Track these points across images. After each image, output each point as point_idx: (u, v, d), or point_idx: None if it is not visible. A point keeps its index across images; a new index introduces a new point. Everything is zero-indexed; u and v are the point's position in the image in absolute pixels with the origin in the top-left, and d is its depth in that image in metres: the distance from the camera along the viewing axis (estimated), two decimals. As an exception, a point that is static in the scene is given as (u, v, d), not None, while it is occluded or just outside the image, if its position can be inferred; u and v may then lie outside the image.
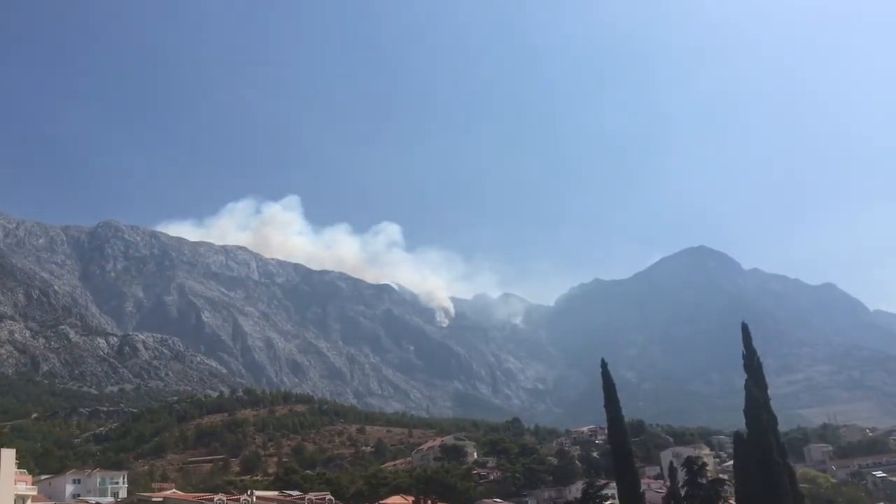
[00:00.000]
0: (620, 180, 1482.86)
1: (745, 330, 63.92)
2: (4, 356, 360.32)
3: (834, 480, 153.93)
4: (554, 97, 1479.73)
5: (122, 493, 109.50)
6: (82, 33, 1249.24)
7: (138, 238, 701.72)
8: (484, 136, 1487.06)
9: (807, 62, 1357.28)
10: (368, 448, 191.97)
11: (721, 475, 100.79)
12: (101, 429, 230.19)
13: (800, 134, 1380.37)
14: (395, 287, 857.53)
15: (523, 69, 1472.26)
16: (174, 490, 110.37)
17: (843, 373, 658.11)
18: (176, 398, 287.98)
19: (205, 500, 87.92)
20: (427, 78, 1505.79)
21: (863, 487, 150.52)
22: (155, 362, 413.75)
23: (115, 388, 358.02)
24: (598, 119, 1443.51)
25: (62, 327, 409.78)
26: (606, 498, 72.90)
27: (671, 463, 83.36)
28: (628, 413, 79.14)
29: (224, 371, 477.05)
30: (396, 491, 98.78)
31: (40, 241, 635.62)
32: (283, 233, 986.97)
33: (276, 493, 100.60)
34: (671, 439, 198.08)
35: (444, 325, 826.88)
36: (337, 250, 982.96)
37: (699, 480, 67.07)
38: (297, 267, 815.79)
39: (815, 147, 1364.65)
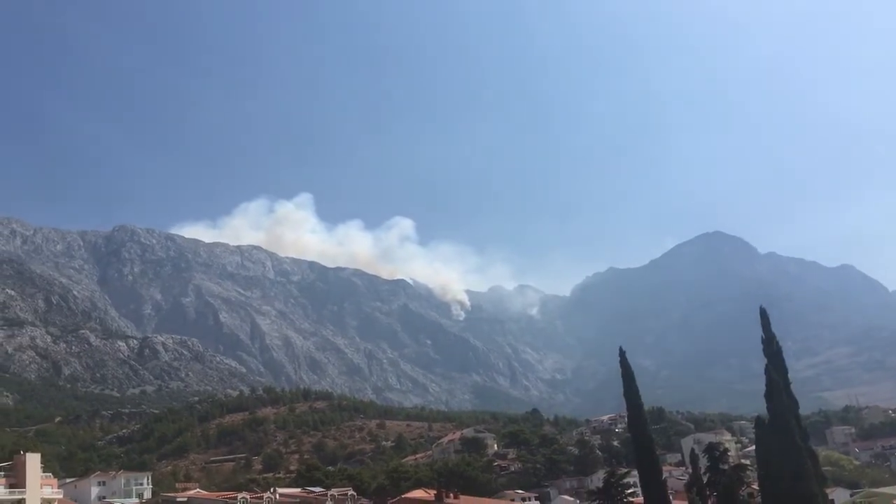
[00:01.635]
0: (632, 167, 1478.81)
1: (763, 314, 63.42)
2: (27, 362, 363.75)
3: (857, 462, 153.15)
4: (562, 86, 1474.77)
5: (147, 494, 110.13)
6: (93, 38, 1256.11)
7: (154, 241, 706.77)
8: (492, 128, 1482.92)
9: (820, 38, 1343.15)
10: (389, 443, 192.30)
11: (743, 461, 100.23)
12: (124, 431, 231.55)
13: (812, 113, 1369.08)
14: (410, 282, 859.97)
15: (531, 60, 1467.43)
16: (198, 490, 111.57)
17: (863, 354, 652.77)
18: (197, 398, 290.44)
19: (229, 499, 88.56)
20: (433, 71, 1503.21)
21: (887, 469, 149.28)
22: (175, 363, 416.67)
23: (137, 391, 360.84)
24: (608, 106, 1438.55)
25: (82, 332, 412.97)
26: (628, 486, 72.55)
27: (692, 450, 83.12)
28: (647, 401, 79.00)
29: (243, 370, 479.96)
30: (418, 485, 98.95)
31: (58, 247, 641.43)
32: (297, 231, 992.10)
33: (298, 490, 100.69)
34: (692, 426, 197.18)
35: (461, 319, 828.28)
36: (350, 247, 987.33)
37: (721, 466, 66.78)
38: (311, 265, 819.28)
39: (827, 126, 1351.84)
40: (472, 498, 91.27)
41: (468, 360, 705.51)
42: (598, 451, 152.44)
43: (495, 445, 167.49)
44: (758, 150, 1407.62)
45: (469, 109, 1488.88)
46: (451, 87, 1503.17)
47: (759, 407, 64.38)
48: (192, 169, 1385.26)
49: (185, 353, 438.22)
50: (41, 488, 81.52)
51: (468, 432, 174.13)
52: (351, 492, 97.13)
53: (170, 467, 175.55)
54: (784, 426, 56.34)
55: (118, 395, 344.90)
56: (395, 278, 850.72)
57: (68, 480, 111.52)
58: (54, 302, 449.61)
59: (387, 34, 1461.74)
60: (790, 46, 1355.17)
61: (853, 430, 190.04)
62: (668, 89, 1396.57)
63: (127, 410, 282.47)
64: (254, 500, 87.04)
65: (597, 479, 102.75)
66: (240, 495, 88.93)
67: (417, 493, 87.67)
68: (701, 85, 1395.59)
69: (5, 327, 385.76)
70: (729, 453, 77.62)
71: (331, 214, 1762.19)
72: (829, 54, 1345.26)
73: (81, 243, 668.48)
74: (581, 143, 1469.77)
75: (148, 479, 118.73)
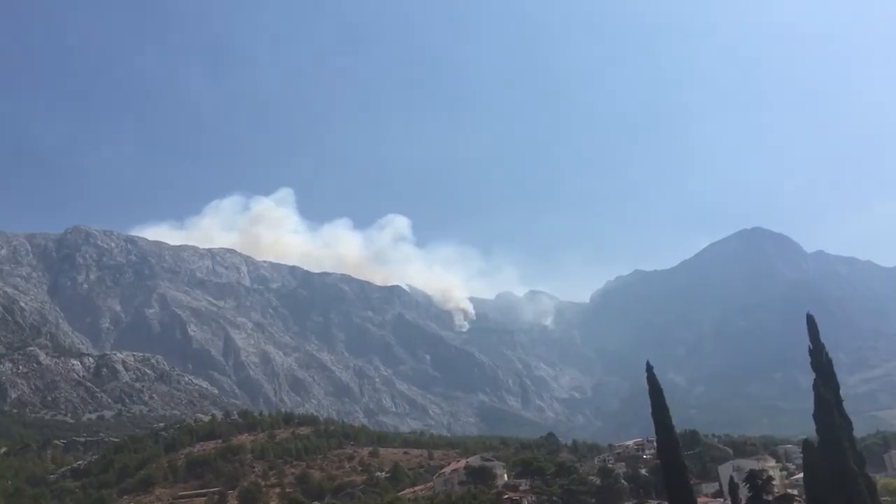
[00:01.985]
0: (660, 157, 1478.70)
1: (810, 322, 63.61)
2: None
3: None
4: (576, 67, 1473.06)
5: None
6: (38, 22, 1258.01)
7: (112, 244, 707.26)
8: (499, 113, 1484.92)
9: (870, 19, 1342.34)
10: (383, 473, 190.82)
11: (790, 490, 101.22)
12: (80, 462, 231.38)
13: (864, 91, 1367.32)
14: (406, 288, 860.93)
15: (540, 39, 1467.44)
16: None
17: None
18: (162, 424, 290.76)
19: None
20: (432, 50, 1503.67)
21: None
22: (137, 384, 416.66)
23: (94, 416, 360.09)
24: (633, 90, 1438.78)
25: (31, 349, 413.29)
26: (658, 520, 73.02)
27: (731, 478, 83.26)
28: (679, 422, 78.88)
29: (215, 392, 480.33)
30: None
31: (2, 251, 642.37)
32: (276, 231, 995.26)
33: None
34: (730, 451, 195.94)
35: (464, 330, 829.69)
36: (337, 249, 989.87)
37: (765, 497, 66.89)
38: (293, 270, 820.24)
39: (881, 107, 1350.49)
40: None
41: (473, 378, 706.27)
42: (623, 482, 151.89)
43: (505, 475, 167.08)
44: (803, 137, 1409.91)
45: (472, 94, 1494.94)
46: (452, 68, 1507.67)
47: (808, 428, 64.59)
48: (155, 162, 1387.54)
49: (149, 372, 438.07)
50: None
51: (474, 460, 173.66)
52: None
53: None
54: (836, 450, 56.49)
55: (72, 421, 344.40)
56: (389, 284, 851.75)
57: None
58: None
59: (377, 10, 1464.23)
60: (841, 16, 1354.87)
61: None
62: (703, 72, 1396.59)
63: (83, 439, 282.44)
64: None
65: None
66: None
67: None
68: (738, 67, 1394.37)
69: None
70: (773, 482, 77.70)
71: (315, 212, 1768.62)
72: (888, 24, 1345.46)
73: (29, 247, 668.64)
74: (599, 129, 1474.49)
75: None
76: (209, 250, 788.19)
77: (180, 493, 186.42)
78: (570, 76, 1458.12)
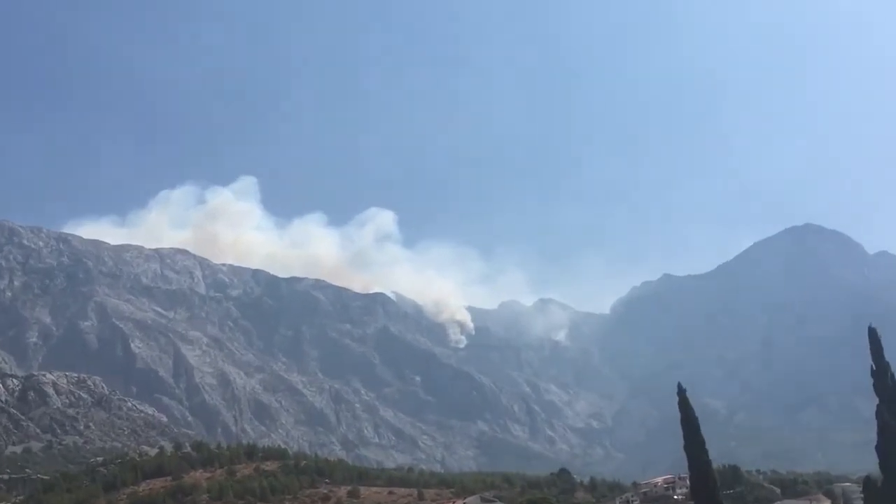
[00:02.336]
0: (695, 142, 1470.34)
1: (873, 336, 63.65)
2: None
3: None
4: (604, 31, 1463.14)
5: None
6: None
7: (41, 244, 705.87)
8: (503, 89, 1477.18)
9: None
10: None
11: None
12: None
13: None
14: (392, 296, 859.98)
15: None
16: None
17: None
18: (101, 459, 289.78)
19: None
20: (422, 13, 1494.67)
21: None
22: (70, 411, 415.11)
23: (18, 449, 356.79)
24: (665, 65, 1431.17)
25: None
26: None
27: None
28: (717, 456, 78.90)
29: (164, 419, 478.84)
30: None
31: None
32: (237, 228, 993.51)
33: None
34: (778, 490, 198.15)
35: (461, 346, 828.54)
36: (310, 249, 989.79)
37: (818, 545, 66.96)
38: (257, 274, 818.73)
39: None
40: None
41: (471, 403, 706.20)
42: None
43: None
44: (864, 116, 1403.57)
45: (471, 62, 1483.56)
46: (446, 31, 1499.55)
47: (870, 463, 64.68)
48: (92, 145, 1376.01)
49: (85, 396, 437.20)
50: None
51: (473, 501, 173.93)
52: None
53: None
54: (903, 489, 56.49)
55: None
56: (372, 291, 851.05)
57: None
58: None
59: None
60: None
61: None
62: (744, 45, 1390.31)
63: (6, 476, 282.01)
64: None
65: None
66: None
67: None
68: (786, 40, 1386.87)
69: None
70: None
71: (283, 205, 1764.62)
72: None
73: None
74: (624, 109, 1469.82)
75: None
76: (157, 251, 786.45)
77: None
78: (590, 44, 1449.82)
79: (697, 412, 68.61)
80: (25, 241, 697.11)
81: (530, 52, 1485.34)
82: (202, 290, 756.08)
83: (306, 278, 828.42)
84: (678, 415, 67.84)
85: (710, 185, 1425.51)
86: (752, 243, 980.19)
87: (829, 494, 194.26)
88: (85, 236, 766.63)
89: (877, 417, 58.86)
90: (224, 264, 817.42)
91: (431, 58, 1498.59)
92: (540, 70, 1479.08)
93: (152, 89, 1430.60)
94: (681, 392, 68.38)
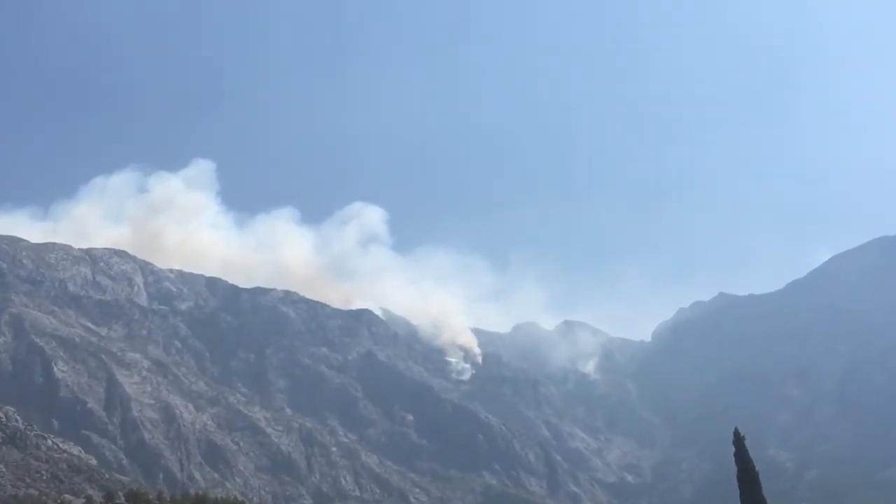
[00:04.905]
0: (761, 132, 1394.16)
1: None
2: None
3: None
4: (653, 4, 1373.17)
5: None
6: None
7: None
8: (525, 57, 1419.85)
9: None
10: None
11: None
12: None
13: None
14: (380, 313, 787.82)
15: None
16: None
17: None
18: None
19: None
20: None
21: None
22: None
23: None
24: (726, 40, 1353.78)
25: None
26: None
27: None
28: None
29: (93, 462, 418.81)
30: None
31: None
32: (188, 224, 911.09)
33: None
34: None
35: (465, 377, 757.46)
36: (278, 252, 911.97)
37: None
38: (212, 283, 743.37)
39: None
40: None
41: (476, 449, 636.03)
42: None
43: None
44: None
45: (484, 33, 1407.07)
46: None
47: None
48: (6, 122, 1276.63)
49: None
50: None
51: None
52: None
53: None
54: None
55: None
56: (355, 307, 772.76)
57: None
58: None
59: None
60: None
61: None
62: (816, 20, 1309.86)
63: None
64: None
65: None
66: None
67: None
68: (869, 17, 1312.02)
69: None
70: None
71: (245, 197, 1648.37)
72: None
73: None
74: (673, 87, 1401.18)
75: None
76: (88, 252, 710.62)
77: None
78: (636, 14, 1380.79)
79: (759, 466, 67.66)
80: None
81: (562, 21, 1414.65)
82: (143, 301, 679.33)
83: (273, 289, 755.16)
84: (734, 468, 67.93)
85: (777, 185, 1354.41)
86: (829, 256, 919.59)
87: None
88: (0, 231, 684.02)
89: None
90: (171, 270, 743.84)
91: (437, 24, 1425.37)
92: (571, 42, 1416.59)
93: (86, 50, 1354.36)
94: (738, 440, 67.48)
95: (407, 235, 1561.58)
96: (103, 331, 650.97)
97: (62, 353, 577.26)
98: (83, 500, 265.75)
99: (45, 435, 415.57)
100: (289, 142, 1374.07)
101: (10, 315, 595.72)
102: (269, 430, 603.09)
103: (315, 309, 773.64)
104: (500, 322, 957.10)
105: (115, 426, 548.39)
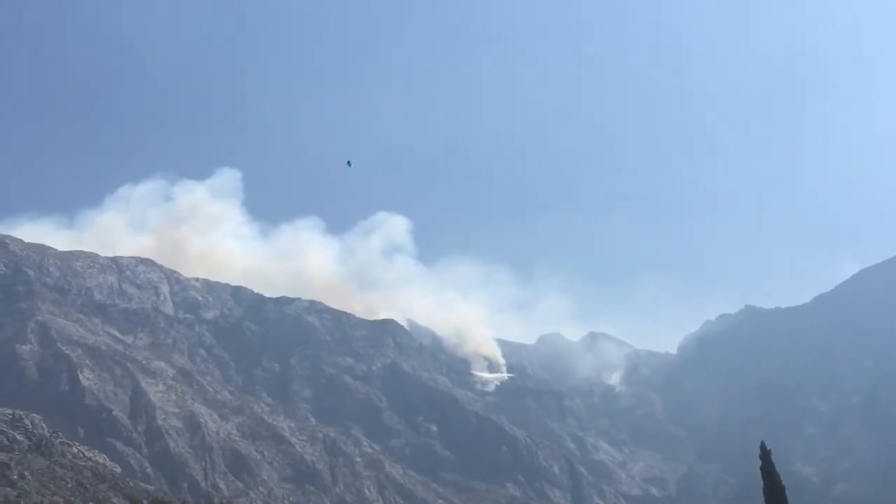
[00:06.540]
0: (793, 140, 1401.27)
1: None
2: None
3: None
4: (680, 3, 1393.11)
5: None
6: None
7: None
8: (549, 62, 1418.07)
9: None
10: None
11: None
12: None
13: None
14: (404, 324, 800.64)
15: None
16: None
17: None
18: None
19: None
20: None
21: None
22: (1, 456, 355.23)
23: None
24: (753, 51, 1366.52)
25: None
26: None
27: None
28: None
29: (117, 470, 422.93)
30: None
31: None
32: (212, 234, 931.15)
33: None
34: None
35: (489, 389, 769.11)
36: (302, 262, 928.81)
37: None
38: (237, 292, 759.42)
39: None
40: None
41: (500, 460, 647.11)
42: None
43: None
44: None
45: (509, 40, 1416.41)
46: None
47: None
48: (33, 130, 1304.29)
49: (20, 438, 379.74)
50: None
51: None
52: None
53: None
54: None
55: None
56: (379, 317, 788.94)
57: None
58: None
59: None
60: None
61: None
62: (847, 18, 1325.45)
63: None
64: None
65: None
66: None
67: None
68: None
69: None
70: None
71: (270, 206, 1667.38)
72: None
73: None
74: (699, 96, 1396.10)
75: None
76: (114, 260, 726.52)
77: None
78: (663, 25, 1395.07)
79: (785, 480, 69.09)
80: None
81: (589, 27, 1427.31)
82: (169, 310, 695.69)
83: (298, 299, 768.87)
84: (759, 482, 68.73)
85: (807, 196, 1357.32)
86: (859, 269, 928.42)
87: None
88: (26, 239, 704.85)
89: None
90: (197, 279, 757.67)
91: (461, 32, 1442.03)
92: (598, 46, 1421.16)
93: (115, 65, 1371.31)
94: (764, 454, 68.50)
95: (431, 245, 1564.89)
96: (129, 339, 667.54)
97: (88, 361, 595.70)
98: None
99: (71, 443, 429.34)
100: (313, 153, 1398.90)
101: (36, 323, 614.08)
102: (293, 439, 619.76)
103: (339, 319, 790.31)
104: (524, 333, 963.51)
105: (139, 434, 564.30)
